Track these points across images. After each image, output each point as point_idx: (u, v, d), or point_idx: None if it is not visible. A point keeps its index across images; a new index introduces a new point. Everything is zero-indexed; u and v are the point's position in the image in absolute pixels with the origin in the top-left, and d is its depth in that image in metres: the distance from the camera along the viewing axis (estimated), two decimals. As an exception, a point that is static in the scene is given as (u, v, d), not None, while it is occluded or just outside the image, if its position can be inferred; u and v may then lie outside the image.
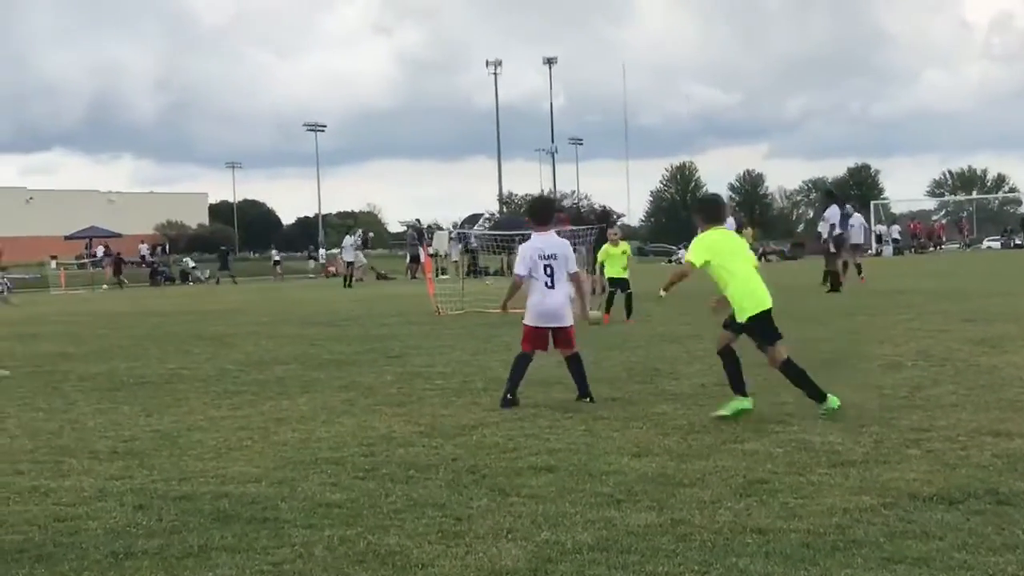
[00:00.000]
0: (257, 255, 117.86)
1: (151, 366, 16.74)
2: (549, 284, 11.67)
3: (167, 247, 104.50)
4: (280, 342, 20.07)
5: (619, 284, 22.45)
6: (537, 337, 11.78)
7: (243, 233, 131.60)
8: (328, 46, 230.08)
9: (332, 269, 74.55)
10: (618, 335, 18.76)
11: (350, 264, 54.53)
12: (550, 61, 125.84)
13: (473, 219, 70.52)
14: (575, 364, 11.82)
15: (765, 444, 9.11)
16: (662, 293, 11.09)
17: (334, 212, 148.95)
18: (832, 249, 31.57)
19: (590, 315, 13.89)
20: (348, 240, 56.91)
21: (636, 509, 7.13)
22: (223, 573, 6.03)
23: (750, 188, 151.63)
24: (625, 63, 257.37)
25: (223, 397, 13.01)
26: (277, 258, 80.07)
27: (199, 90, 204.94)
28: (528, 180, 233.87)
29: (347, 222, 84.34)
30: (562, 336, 11.79)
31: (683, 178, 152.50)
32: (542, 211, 12.60)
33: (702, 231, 10.71)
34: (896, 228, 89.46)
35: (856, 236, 34.88)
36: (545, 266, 11.69)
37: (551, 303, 11.69)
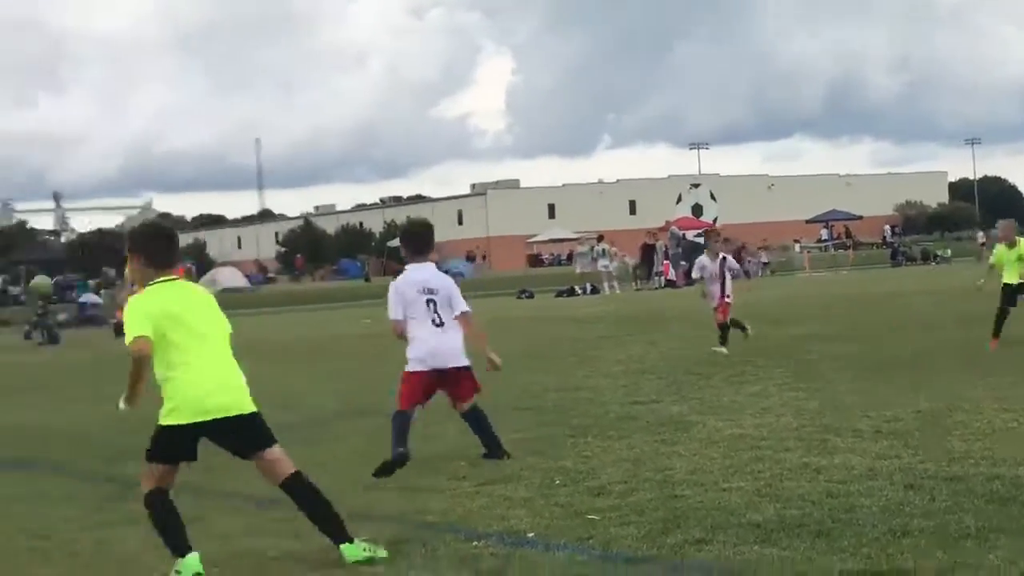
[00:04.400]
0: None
1: (898, 346, 16.72)
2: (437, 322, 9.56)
3: (904, 228, 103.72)
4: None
5: None
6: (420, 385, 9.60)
7: (984, 211, 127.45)
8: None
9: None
10: None
11: None
12: None
13: None
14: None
15: None
16: None
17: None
18: None
19: None
20: None
21: None
22: (1004, 555, 5.92)
23: None
24: None
25: (981, 378, 12.71)
26: (983, 240, 76.97)
27: (937, 68, 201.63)
28: None
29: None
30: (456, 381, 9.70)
31: None
32: (415, 238, 10.04)
33: None
34: None
35: None
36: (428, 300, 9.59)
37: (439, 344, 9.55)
